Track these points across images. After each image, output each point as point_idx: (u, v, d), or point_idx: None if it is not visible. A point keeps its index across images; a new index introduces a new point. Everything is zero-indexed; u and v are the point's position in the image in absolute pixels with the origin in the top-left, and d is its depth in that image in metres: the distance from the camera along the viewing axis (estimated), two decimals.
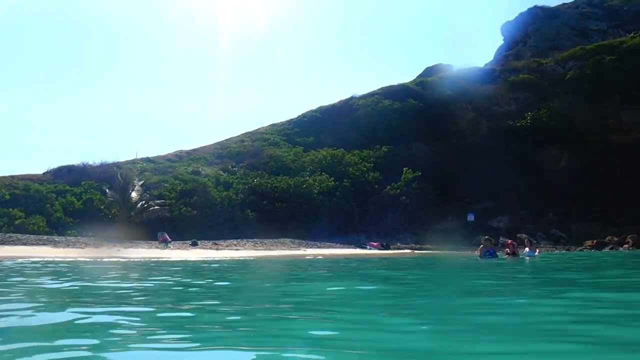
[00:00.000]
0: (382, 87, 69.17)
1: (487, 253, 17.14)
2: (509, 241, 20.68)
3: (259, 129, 66.47)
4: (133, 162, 51.67)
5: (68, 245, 28.68)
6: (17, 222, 33.63)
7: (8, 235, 30.10)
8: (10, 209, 34.53)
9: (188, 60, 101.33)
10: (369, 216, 46.06)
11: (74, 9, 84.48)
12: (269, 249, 33.51)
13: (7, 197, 35.70)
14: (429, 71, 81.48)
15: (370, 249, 38.21)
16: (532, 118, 53.69)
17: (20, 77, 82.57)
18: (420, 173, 47.12)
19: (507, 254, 17.69)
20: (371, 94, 66.64)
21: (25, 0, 77.89)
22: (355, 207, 46.01)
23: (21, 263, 15.57)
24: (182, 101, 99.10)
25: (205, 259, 21.98)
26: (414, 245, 41.65)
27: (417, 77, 78.48)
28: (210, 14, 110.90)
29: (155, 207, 37.61)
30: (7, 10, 78.02)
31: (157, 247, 30.40)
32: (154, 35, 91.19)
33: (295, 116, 68.42)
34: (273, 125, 67.37)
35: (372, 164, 51.25)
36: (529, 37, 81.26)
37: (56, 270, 12.56)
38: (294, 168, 50.84)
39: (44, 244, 28.32)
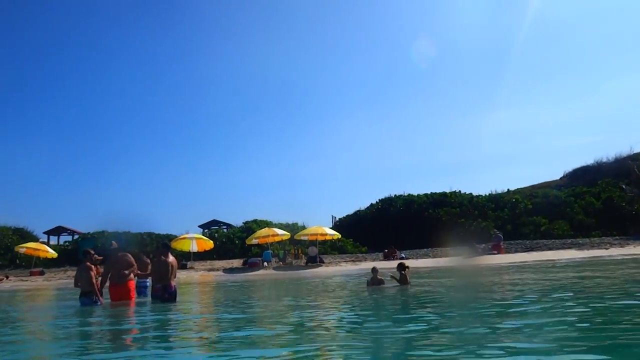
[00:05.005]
0: None
1: None
2: None
3: None
4: None
5: (592, 247, 28.60)
6: (542, 228, 35.94)
7: (535, 241, 32.56)
8: (534, 217, 37.24)
9: None
10: None
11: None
12: None
13: (530, 206, 38.67)
14: None
15: None
16: None
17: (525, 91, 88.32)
18: None
19: None
20: None
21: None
22: None
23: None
24: None
25: None
26: None
27: None
28: None
29: None
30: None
31: None
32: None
33: None
34: None
35: None
36: None
37: None
38: None
39: (569, 248, 29.19)
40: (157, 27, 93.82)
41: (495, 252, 29.10)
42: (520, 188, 45.35)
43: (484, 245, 30.38)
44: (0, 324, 8.88)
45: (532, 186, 46.01)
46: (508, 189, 44.64)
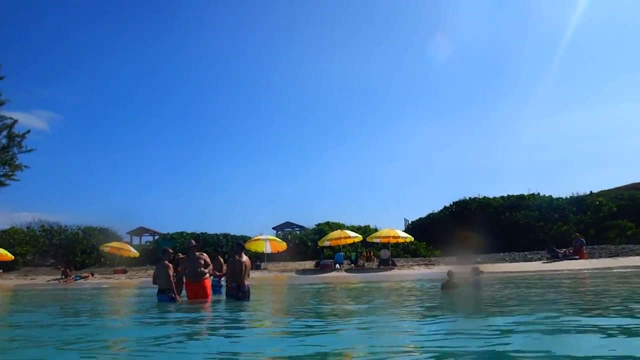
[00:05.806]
0: None
1: None
2: None
3: None
4: None
5: None
6: (628, 232, 33.69)
7: (621, 246, 30.58)
8: (620, 221, 34.95)
9: None
10: None
11: None
12: None
13: (615, 209, 36.31)
14: None
15: None
16: None
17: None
18: None
19: None
20: None
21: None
22: None
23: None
24: None
25: None
26: None
27: None
28: None
29: None
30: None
31: None
32: None
33: None
34: None
35: None
36: None
37: None
38: None
39: None
40: (235, 31, 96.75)
41: (577, 257, 27.63)
42: (605, 190, 42.65)
43: (564, 249, 28.93)
44: (87, 314, 9.45)
45: (618, 188, 43.11)
46: (591, 191, 42.16)
